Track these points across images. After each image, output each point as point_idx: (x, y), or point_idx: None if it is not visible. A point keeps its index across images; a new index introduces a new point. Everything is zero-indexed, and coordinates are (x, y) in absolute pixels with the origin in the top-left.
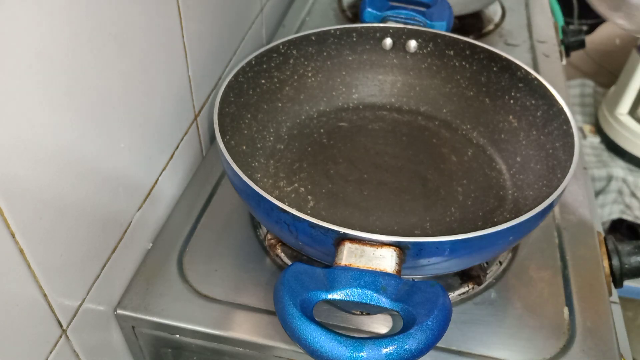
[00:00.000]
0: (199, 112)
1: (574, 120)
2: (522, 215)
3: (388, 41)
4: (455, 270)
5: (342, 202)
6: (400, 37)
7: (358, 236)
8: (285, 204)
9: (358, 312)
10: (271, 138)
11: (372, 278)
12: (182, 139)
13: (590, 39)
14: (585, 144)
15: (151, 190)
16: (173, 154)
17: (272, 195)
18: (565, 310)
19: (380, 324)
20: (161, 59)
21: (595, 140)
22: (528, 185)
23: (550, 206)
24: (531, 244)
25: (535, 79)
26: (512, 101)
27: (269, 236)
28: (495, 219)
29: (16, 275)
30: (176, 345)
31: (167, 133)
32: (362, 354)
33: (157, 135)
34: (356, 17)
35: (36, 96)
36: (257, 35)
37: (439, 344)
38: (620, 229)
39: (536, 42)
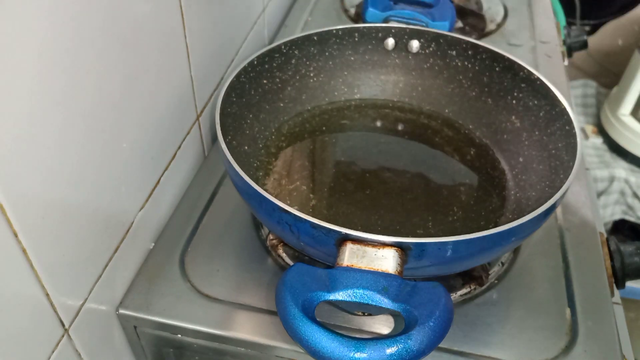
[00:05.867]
0: (201, 112)
1: (577, 121)
2: (524, 216)
3: (390, 41)
4: (457, 271)
5: (344, 201)
6: (402, 37)
7: (360, 237)
8: (287, 202)
9: (360, 313)
10: (273, 138)
11: (373, 279)
12: (184, 139)
13: (593, 40)
14: (588, 144)
15: (153, 190)
16: (175, 154)
17: (273, 194)
18: (568, 311)
19: (382, 325)
20: (163, 59)
21: (597, 140)
22: (530, 186)
23: (553, 207)
24: (533, 244)
25: (538, 79)
26: (514, 101)
27: (271, 236)
28: (498, 220)
29: (19, 274)
30: (178, 345)
31: (169, 133)
32: (364, 354)
33: (160, 135)
34: (358, 17)
35: (38, 96)
36: (259, 35)
37: (440, 345)
38: (622, 229)
39: (538, 42)
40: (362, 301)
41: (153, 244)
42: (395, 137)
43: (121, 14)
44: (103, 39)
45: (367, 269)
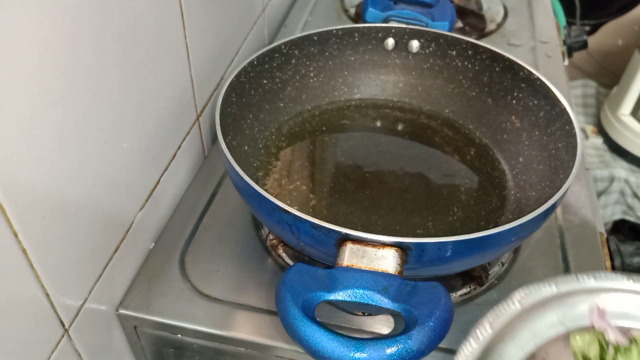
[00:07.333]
0: (201, 112)
1: (577, 121)
2: (524, 215)
3: (390, 41)
4: (457, 271)
5: (344, 201)
6: (402, 37)
7: (360, 237)
8: (287, 202)
9: (360, 313)
10: (273, 137)
11: (373, 279)
12: (184, 139)
13: (593, 40)
14: (588, 144)
15: (153, 190)
16: (175, 154)
17: (273, 194)
18: None
19: (382, 325)
20: (163, 59)
21: (597, 141)
22: (530, 186)
23: (553, 207)
24: (533, 244)
25: (538, 79)
26: (514, 101)
27: (271, 236)
28: (498, 220)
29: (19, 274)
30: (178, 345)
31: (169, 133)
32: (364, 354)
33: (160, 135)
34: (358, 17)
35: (38, 96)
36: (259, 35)
37: (440, 345)
38: (622, 229)
39: (538, 42)
40: (362, 301)
41: (153, 244)
42: (395, 137)
43: (121, 14)
44: (103, 39)
45: (367, 269)
